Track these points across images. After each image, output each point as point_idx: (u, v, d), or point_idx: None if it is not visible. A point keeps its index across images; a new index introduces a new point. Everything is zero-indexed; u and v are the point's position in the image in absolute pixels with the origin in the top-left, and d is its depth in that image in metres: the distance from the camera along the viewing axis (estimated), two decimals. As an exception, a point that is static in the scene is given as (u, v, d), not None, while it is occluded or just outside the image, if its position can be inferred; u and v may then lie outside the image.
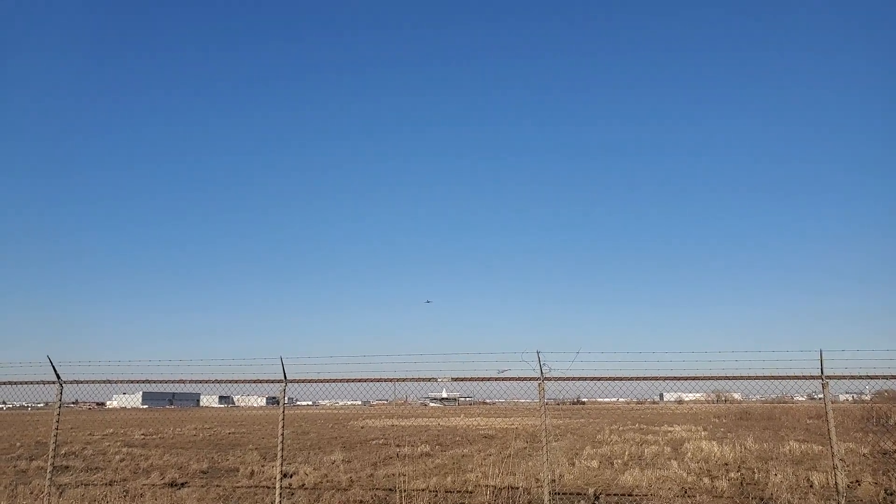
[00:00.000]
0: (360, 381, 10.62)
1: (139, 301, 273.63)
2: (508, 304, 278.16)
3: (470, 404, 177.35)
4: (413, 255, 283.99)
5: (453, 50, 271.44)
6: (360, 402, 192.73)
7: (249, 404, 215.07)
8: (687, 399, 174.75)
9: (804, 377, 10.22)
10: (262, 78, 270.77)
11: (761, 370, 10.75)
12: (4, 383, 13.11)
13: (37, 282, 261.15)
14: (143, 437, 36.55)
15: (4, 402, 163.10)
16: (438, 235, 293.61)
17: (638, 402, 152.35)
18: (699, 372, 11.24)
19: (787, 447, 24.40)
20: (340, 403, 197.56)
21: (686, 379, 10.82)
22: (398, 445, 27.82)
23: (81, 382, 12.62)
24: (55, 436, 13.27)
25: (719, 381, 11.39)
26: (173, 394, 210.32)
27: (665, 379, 10.95)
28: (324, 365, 12.05)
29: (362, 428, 46.28)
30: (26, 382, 12.93)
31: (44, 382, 12.93)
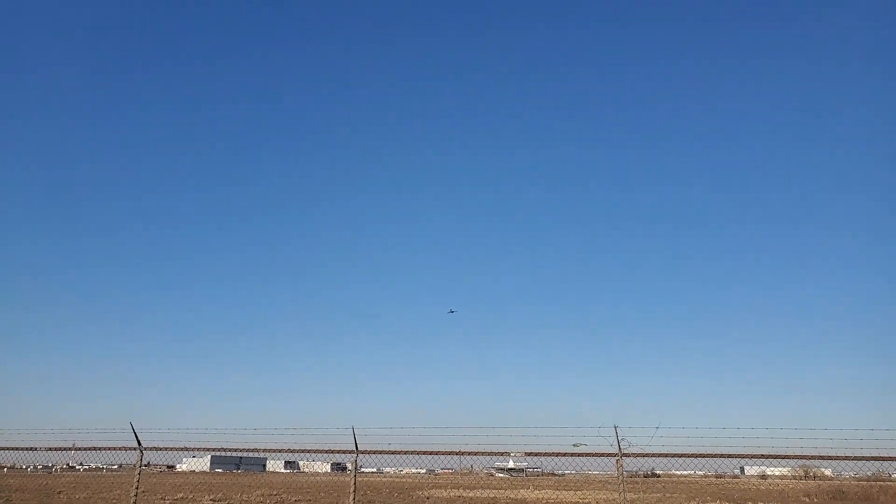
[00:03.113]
0: (432, 453, 10.49)
1: (209, 364, 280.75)
2: (583, 374, 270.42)
3: (537, 475, 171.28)
4: (484, 325, 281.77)
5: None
6: (424, 471, 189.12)
7: (314, 470, 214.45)
8: (770, 474, 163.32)
9: (908, 459, 9.45)
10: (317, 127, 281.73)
11: (859, 449, 10.03)
12: (90, 449, 13.69)
13: (112, 346, 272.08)
14: (212, 502, 36.88)
15: (81, 464, 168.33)
16: (512, 304, 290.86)
17: (717, 476, 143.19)
18: (788, 449, 10.58)
19: (890, 532, 22.35)
20: (405, 471, 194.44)
21: (774, 457, 10.19)
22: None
23: (161, 450, 13.04)
24: (135, 501, 13.60)
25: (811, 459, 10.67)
26: (240, 458, 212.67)
27: (751, 457, 10.35)
28: (394, 435, 12.01)
29: (428, 498, 45.26)
30: (110, 448, 13.47)
31: (126, 448, 13.41)
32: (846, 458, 10.09)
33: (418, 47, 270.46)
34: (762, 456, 10.31)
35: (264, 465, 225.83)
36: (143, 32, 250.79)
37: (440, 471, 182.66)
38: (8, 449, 14.80)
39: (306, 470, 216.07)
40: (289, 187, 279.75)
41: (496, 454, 10.21)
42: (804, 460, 10.28)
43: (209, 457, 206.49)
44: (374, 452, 11.01)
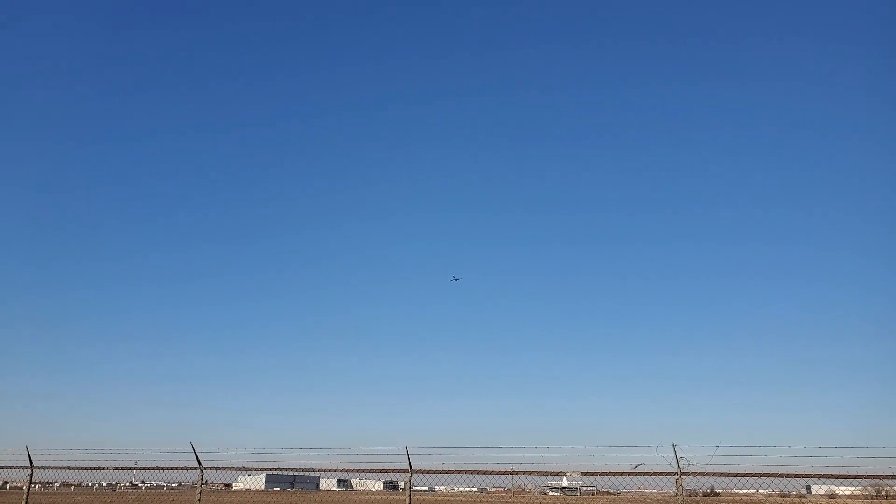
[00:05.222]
0: (486, 472, 10.42)
1: (264, 383, 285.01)
2: (640, 391, 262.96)
3: (592, 494, 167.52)
4: (539, 343, 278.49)
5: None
6: (476, 489, 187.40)
7: (367, 488, 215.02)
8: (840, 493, 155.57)
9: None
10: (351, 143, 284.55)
11: (936, 468, 9.51)
12: (153, 468, 14.17)
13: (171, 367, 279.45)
14: (268, 521, 37.35)
15: (143, 482, 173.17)
16: (567, 323, 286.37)
17: (781, 495, 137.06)
18: (860, 468, 10.11)
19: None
20: (457, 490, 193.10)
21: (844, 477, 9.75)
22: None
23: (220, 469, 13.39)
24: (195, 521, 13.95)
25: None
26: (294, 476, 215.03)
27: (819, 476, 9.94)
28: (447, 454, 11.98)
29: (481, 517, 44.82)
30: (172, 468, 13.90)
31: (187, 468, 13.82)
32: (923, 477, 9.59)
33: (422, 56, 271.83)
34: (830, 476, 9.89)
35: (317, 484, 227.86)
36: (161, 51, 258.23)
37: (492, 489, 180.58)
38: (78, 468, 15.48)
39: (359, 488, 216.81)
40: (324, 205, 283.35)
41: (551, 473, 10.10)
42: (876, 479, 9.82)
43: (264, 475, 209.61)
44: (428, 472, 11.01)
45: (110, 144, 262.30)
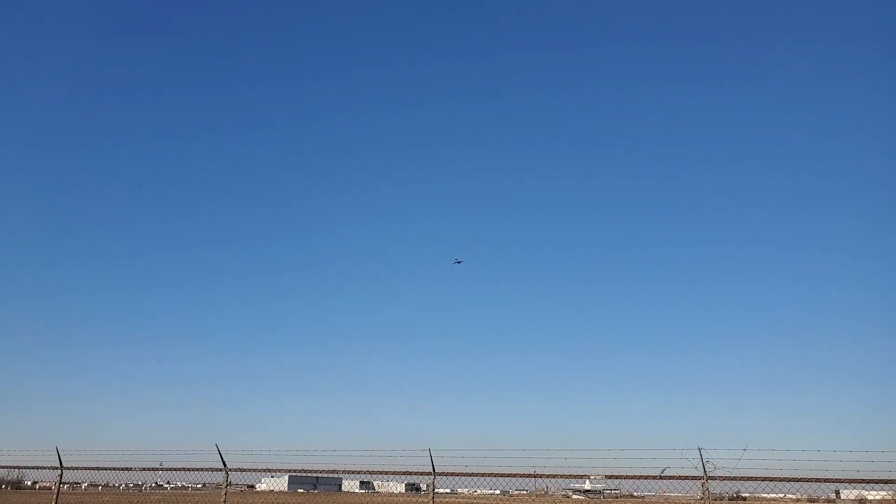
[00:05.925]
0: (510, 475, 10.40)
1: (286, 385, 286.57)
2: (665, 393, 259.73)
3: (615, 497, 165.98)
4: (562, 344, 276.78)
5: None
6: (498, 492, 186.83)
7: (389, 490, 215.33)
8: (870, 498, 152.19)
9: None
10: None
11: (971, 473, 9.28)
12: (178, 469, 14.38)
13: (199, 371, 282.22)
14: (292, 522, 37.60)
15: (168, 482, 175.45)
16: (590, 323, 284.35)
17: (810, 500, 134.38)
18: (891, 472, 9.91)
19: None
20: (479, 492, 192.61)
21: (875, 482, 9.56)
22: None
23: (245, 470, 13.56)
24: (221, 521, 14.10)
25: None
26: (317, 478, 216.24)
27: (849, 481, 9.75)
28: (470, 457, 11.96)
29: (503, 520, 44.66)
30: (197, 469, 14.09)
31: (212, 469, 14.01)
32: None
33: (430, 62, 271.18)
34: (861, 481, 9.70)
35: (340, 486, 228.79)
36: (165, 52, 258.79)
37: (515, 492, 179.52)
38: (106, 469, 15.80)
39: (381, 490, 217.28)
40: (345, 206, 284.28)
41: (574, 476, 10.04)
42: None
43: (287, 477, 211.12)
44: (452, 474, 11.02)
45: (124, 147, 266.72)
